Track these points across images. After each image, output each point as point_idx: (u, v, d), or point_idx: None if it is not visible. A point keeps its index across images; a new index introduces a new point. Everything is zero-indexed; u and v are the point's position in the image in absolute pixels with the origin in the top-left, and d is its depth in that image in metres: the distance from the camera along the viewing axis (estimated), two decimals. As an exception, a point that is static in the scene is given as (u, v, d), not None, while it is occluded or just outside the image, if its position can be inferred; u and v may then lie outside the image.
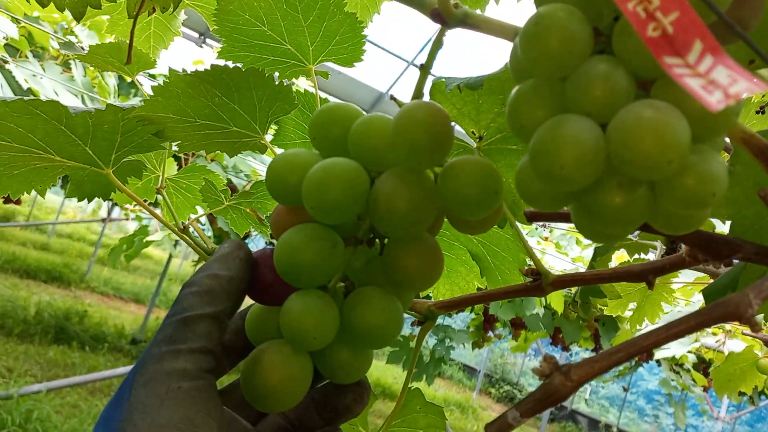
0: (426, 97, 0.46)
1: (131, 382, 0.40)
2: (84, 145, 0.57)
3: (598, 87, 0.30)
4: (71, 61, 2.95)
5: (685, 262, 0.45)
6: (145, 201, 0.76)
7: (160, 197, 0.77)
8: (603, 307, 1.12)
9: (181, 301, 0.43)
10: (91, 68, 3.14)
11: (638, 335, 0.31)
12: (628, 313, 1.11)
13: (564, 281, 0.47)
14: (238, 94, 0.56)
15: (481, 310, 5.50)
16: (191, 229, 0.65)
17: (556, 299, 3.39)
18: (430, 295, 0.73)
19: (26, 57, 2.68)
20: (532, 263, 0.50)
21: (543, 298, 4.05)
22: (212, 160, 3.51)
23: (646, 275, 0.46)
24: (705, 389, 5.88)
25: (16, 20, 2.35)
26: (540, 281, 0.48)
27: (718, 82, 0.24)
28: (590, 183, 0.31)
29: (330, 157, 0.45)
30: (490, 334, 5.80)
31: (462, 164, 0.42)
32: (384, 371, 9.89)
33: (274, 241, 0.47)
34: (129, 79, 0.79)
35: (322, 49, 0.63)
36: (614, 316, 4.11)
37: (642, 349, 0.31)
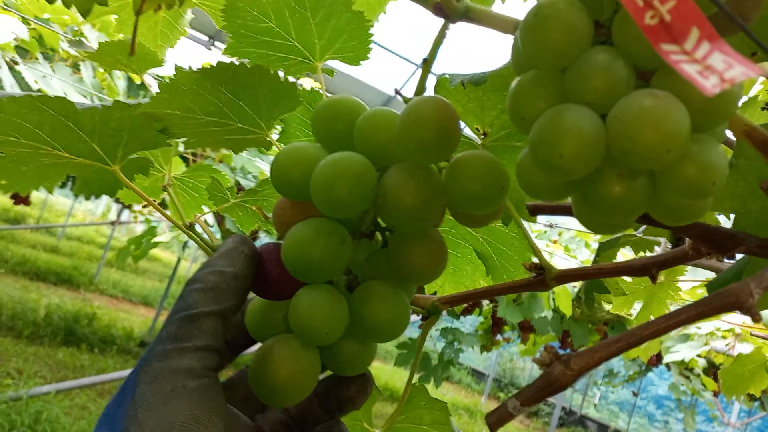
0: (429, 93, 0.46)
1: (135, 380, 0.39)
2: (91, 141, 0.57)
3: (598, 77, 0.31)
4: (81, 63, 2.97)
5: (688, 256, 0.45)
6: (153, 200, 0.77)
7: (167, 197, 0.78)
8: (608, 305, 1.12)
9: (186, 298, 0.42)
10: (101, 70, 3.16)
11: (638, 325, 0.31)
12: (634, 313, 1.10)
13: (567, 276, 0.47)
14: (243, 91, 0.56)
15: (489, 314, 5.49)
16: (197, 227, 0.65)
17: (565, 302, 3.37)
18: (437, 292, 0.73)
19: (36, 58, 2.70)
20: (537, 260, 0.50)
21: (551, 301, 4.04)
22: (220, 161, 3.52)
23: (649, 269, 0.46)
24: (715, 394, 5.84)
25: (26, 21, 2.36)
26: (543, 276, 0.48)
27: (714, 67, 0.24)
28: (590, 173, 0.31)
29: (334, 151, 0.45)
30: (499, 337, 5.78)
31: (468, 159, 0.42)
32: (392, 375, 9.88)
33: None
34: (138, 81, 0.80)
35: (329, 46, 0.64)
36: (623, 319, 4.09)
37: (642, 339, 0.31)
